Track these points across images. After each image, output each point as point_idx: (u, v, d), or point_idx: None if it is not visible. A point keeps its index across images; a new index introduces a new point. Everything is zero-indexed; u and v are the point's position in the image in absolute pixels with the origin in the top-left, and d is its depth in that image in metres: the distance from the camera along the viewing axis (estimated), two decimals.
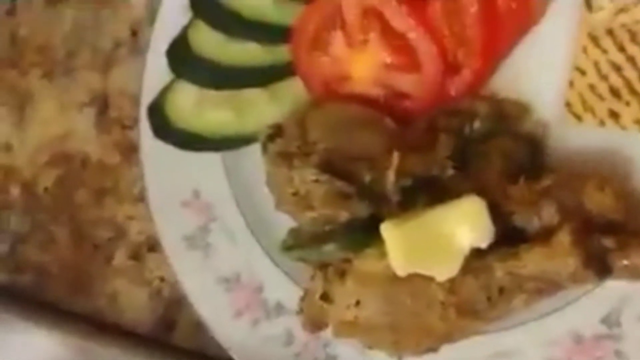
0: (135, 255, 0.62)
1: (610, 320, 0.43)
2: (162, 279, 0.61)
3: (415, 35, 0.45)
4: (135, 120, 0.60)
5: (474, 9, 0.44)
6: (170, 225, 0.56)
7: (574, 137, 0.46)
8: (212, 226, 0.55)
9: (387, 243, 0.42)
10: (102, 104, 0.66)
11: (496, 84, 0.49)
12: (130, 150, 0.63)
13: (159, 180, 0.57)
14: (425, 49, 0.45)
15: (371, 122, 0.47)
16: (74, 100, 0.67)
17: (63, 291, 0.65)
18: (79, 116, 0.67)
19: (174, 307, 0.60)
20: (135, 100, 0.59)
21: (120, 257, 0.63)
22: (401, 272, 0.42)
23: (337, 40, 0.48)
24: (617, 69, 0.45)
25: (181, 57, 0.54)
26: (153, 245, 0.61)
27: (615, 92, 0.45)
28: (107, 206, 0.64)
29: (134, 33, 0.65)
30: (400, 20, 0.45)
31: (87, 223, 0.65)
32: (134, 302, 0.62)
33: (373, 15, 0.46)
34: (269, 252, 0.53)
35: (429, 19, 0.45)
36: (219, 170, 0.55)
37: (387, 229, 0.42)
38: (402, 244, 0.42)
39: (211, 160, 0.55)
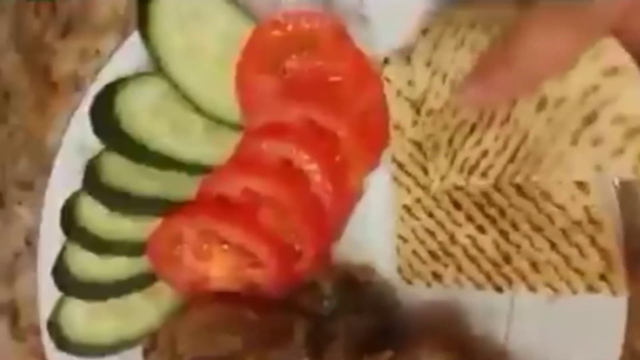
0: None
1: None
2: None
3: (250, 244, 0.49)
4: None
5: (296, 211, 0.49)
6: None
7: (412, 297, 0.51)
8: None
9: None
10: (13, 313, 0.70)
11: (342, 253, 0.53)
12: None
13: None
14: (261, 252, 0.49)
15: (232, 321, 0.51)
16: None
17: None
18: None
19: None
20: None
21: None
22: None
23: (186, 253, 0.52)
24: (431, 234, 0.49)
25: (62, 277, 0.58)
26: None
27: (434, 255, 0.49)
28: None
29: (29, 243, 0.69)
30: (235, 236, 0.49)
31: None
32: None
33: (211, 234, 0.50)
34: None
35: (261, 225, 0.49)
36: None
37: None
38: None
39: None
